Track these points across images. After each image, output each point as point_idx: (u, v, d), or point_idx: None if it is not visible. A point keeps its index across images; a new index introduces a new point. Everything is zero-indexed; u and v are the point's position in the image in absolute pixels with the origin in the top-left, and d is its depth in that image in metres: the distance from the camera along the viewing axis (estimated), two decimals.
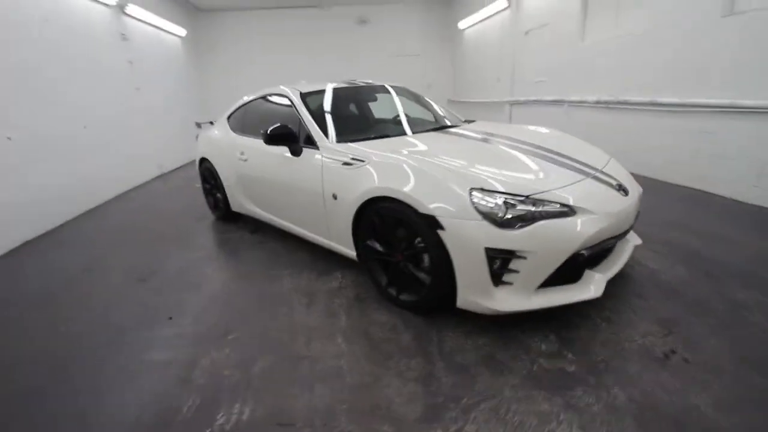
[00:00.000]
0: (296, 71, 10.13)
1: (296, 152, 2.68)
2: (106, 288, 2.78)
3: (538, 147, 2.39)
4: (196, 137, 4.39)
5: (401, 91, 3.47)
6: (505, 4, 7.36)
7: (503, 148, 2.39)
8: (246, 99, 3.63)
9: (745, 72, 3.45)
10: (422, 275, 2.03)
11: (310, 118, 2.75)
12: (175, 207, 4.85)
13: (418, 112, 3.31)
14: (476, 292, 1.83)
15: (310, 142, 2.67)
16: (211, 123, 4.32)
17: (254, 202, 3.41)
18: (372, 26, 10.23)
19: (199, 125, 4.44)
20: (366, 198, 2.15)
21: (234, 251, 3.27)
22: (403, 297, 2.18)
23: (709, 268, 2.44)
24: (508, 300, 1.81)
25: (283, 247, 3.23)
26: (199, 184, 4.38)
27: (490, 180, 1.88)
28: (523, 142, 2.46)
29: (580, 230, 1.79)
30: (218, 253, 3.28)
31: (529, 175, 2.01)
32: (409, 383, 1.67)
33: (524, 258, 1.75)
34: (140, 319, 2.32)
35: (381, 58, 10.42)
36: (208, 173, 4.00)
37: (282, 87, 3.21)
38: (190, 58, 9.27)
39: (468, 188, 1.83)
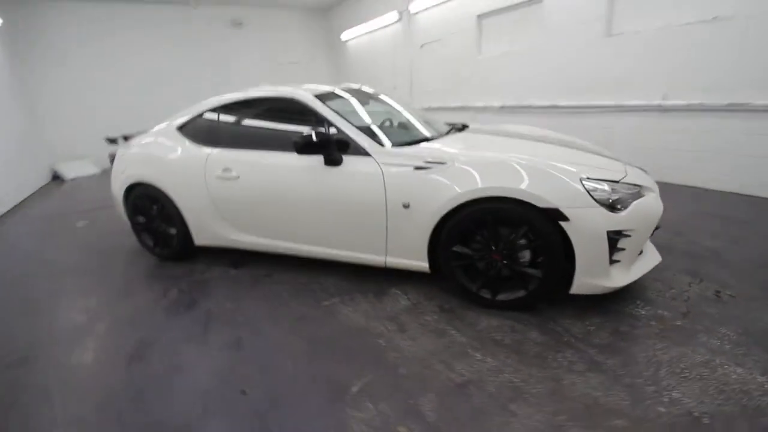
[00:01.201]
0: (161, 77, 8.61)
1: (336, 161, 2.33)
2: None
3: (561, 141, 2.67)
4: (111, 159, 3.33)
5: (389, 97, 3.35)
6: (396, 18, 7.83)
7: (544, 144, 2.58)
8: (212, 104, 2.91)
9: (624, 79, 4.56)
10: (531, 270, 2.05)
11: (345, 122, 2.42)
12: (87, 250, 3.56)
13: (418, 117, 3.26)
14: (595, 275, 1.96)
15: (343, 149, 2.36)
16: (125, 138, 3.33)
17: (247, 229, 2.78)
18: (248, 30, 9.45)
19: (113, 141, 3.34)
20: (464, 200, 2.03)
21: (240, 296, 2.59)
22: (502, 297, 2.15)
23: None
24: (619, 276, 1.99)
25: (293, 277, 2.74)
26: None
27: (588, 170, 2.03)
28: (546, 138, 2.72)
29: (657, 206, 2.10)
30: (226, 305, 2.53)
31: (592, 164, 2.25)
32: (588, 375, 1.67)
33: (629, 236, 1.95)
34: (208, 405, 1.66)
35: (259, 65, 9.72)
36: (145, 202, 3.08)
37: (281, 88, 2.73)
38: (9, 56, 6.83)
39: (578, 178, 1.94)
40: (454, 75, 6.85)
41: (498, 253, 2.08)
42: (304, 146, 2.26)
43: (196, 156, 2.83)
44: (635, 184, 2.09)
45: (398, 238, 2.30)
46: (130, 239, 3.42)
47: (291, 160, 2.50)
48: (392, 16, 7.86)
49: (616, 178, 2.05)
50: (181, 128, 3.00)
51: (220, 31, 9.19)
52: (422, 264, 2.32)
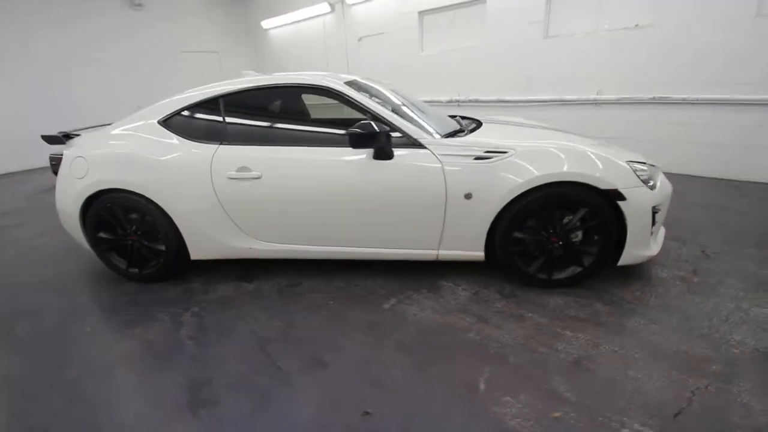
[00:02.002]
0: (39, 67, 7.00)
1: (389, 155, 2.18)
2: None
3: (560, 129, 2.93)
4: (54, 163, 2.59)
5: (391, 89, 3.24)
6: (328, 9, 7.58)
7: (559, 131, 2.78)
8: (209, 93, 2.45)
9: (562, 76, 5.16)
10: (588, 248, 2.22)
11: (392, 113, 2.28)
12: (33, 277, 2.69)
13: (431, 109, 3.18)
14: (640, 247, 2.21)
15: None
16: (66, 137, 2.64)
17: (268, 235, 2.44)
18: (148, 12, 8.15)
19: (54, 139, 2.57)
20: (535, 185, 2.09)
21: (281, 311, 2.26)
22: (558, 276, 2.29)
23: None
24: (654, 246, 2.29)
25: (326, 283, 2.51)
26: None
27: (626, 153, 2.27)
28: (548, 127, 2.95)
29: (668, 182, 2.46)
30: (273, 324, 2.17)
31: (612, 149, 2.51)
32: (667, 333, 1.89)
33: (660, 210, 2.26)
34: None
35: (165, 53, 8.51)
36: (117, 214, 2.49)
37: (305, 76, 2.45)
38: None
39: (625, 161, 2.16)
40: (397, 69, 6.93)
41: (556, 235, 2.21)
42: (360, 139, 2.08)
43: (195, 155, 2.38)
44: (653, 164, 2.41)
45: (455, 230, 2.28)
46: (80, 260, 2.72)
47: (330, 155, 2.28)
48: (323, 7, 7.59)
49: (642, 160, 2.33)
50: (165, 122, 2.48)
51: (114, 13, 7.77)
52: (477, 253, 2.33)
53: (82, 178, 2.47)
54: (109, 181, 2.43)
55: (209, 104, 2.46)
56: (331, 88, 2.34)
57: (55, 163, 2.60)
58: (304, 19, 8.21)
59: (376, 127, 2.09)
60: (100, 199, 2.48)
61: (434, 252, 2.37)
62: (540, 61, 5.29)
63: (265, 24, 9.02)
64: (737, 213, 3.34)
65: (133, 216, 2.52)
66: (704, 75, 4.13)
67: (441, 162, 2.18)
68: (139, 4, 7.87)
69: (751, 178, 4.10)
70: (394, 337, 1.99)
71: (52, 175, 2.66)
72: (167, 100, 2.56)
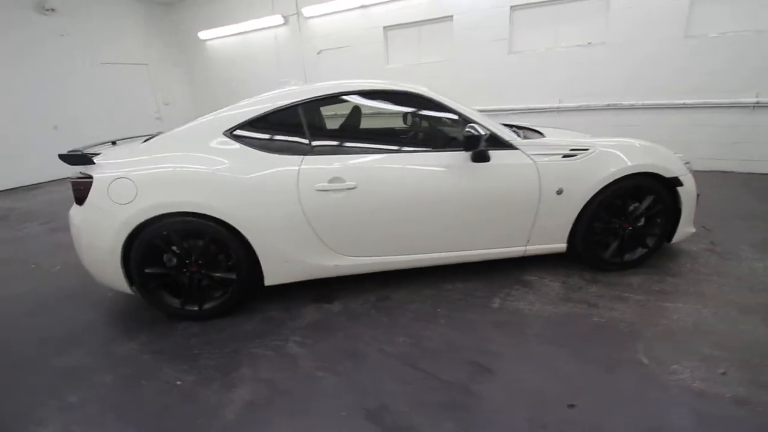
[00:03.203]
0: None
1: (487, 157, 2.23)
2: None
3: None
4: (79, 188, 2.10)
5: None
6: (281, 21, 7.34)
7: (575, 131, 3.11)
8: (286, 100, 2.25)
9: (526, 87, 5.73)
10: (652, 231, 2.52)
11: (484, 117, 2.32)
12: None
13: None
14: (687, 226, 2.58)
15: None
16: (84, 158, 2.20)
17: (358, 249, 2.29)
18: (63, 19, 6.98)
19: (77, 158, 2.04)
20: (617, 178, 2.32)
21: (396, 327, 2.13)
22: (628, 258, 2.55)
23: None
24: (692, 225, 2.69)
25: (415, 292, 2.44)
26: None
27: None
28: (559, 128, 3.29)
29: None
30: (397, 340, 2.01)
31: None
32: (747, 287, 2.24)
33: (699, 193, 2.67)
34: None
35: (83, 64, 7.37)
36: (175, 242, 2.11)
37: (383, 81, 2.38)
38: None
39: (674, 152, 2.52)
40: None
41: (627, 221, 2.48)
42: (469, 142, 2.10)
43: (277, 168, 2.15)
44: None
45: (544, 225, 2.41)
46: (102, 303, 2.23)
47: (428, 160, 2.26)
48: (275, 19, 7.33)
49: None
50: (234, 134, 2.20)
51: (19, 19, 6.49)
52: (561, 245, 2.50)
53: (128, 203, 2.05)
54: (169, 203, 2.06)
55: (287, 113, 2.25)
56: (422, 95, 2.33)
57: (83, 188, 2.11)
58: (251, 31, 7.82)
59: (482, 131, 2.13)
60: (152, 227, 2.08)
61: (522, 248, 2.47)
62: (506, 73, 5.82)
63: (204, 35, 8.37)
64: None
65: (192, 243, 2.17)
66: (647, 84, 4.98)
67: (534, 161, 2.30)
68: (51, 9, 6.69)
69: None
70: (530, 332, 2.03)
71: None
72: (227, 109, 2.28)
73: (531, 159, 2.31)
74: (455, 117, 2.35)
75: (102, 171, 2.12)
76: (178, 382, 1.82)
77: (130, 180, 2.08)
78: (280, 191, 2.14)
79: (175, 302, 2.25)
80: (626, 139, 2.51)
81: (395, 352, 1.93)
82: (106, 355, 2.06)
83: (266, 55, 7.90)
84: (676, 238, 2.59)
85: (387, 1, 6.26)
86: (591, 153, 2.36)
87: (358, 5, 6.49)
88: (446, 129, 2.44)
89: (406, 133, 2.59)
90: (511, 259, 2.55)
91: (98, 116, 7.52)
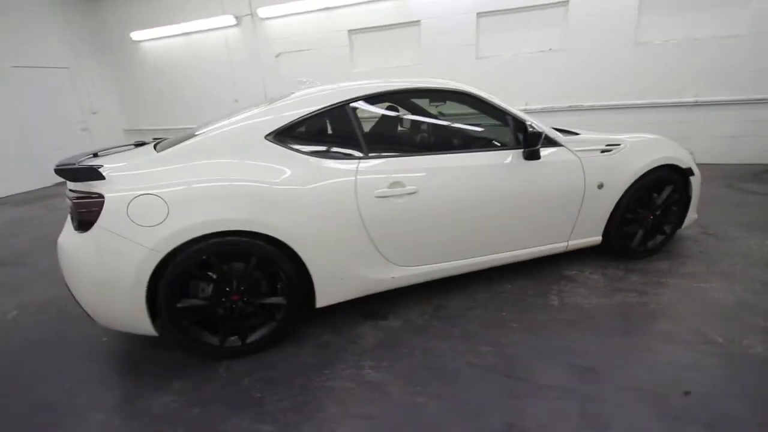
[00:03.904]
0: None
1: (538, 155, 2.21)
2: None
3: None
4: (79, 208, 1.68)
5: None
6: (232, 22, 6.81)
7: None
8: (330, 101, 2.01)
9: (494, 91, 5.93)
10: (667, 218, 2.70)
11: (528, 115, 2.29)
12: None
13: None
14: (693, 212, 2.81)
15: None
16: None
17: (415, 258, 2.13)
18: None
19: (89, 173, 1.59)
20: (646, 171, 2.44)
21: (474, 337, 1.99)
22: (651, 246, 2.71)
23: None
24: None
25: (470, 298, 2.35)
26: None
27: None
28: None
29: None
30: (480, 350, 1.86)
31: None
32: (754, 262, 2.47)
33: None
34: None
35: None
36: (214, 267, 1.78)
37: (433, 81, 2.27)
38: None
39: (684, 148, 2.73)
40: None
41: (650, 211, 2.63)
42: (535, 141, 2.07)
43: (332, 174, 1.92)
44: None
45: (585, 219, 2.46)
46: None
47: (483, 159, 2.18)
48: (226, 19, 6.79)
49: None
50: (278, 138, 1.91)
51: None
52: (597, 238, 2.57)
53: (157, 225, 1.68)
54: (213, 222, 1.72)
55: (336, 113, 2.02)
56: (469, 92, 2.25)
57: (91, 209, 1.68)
58: (197, 32, 7.15)
59: (539, 129, 2.11)
60: (187, 251, 1.73)
61: (565, 244, 2.50)
62: (473, 78, 5.98)
63: (137, 35, 7.47)
64: None
65: (233, 267, 1.84)
66: (604, 87, 5.44)
67: (578, 157, 2.34)
68: None
69: None
70: (604, 326, 2.03)
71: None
72: (265, 110, 1.99)
73: (575, 155, 2.34)
74: (501, 115, 2.32)
75: (116, 187, 1.71)
76: None
77: (158, 197, 1.70)
78: (338, 200, 1.92)
79: (213, 339, 1.90)
80: (644, 135, 2.67)
81: (485, 364, 1.81)
82: (139, 416, 1.65)
83: (216, 58, 7.28)
84: (685, 224, 2.81)
85: (352, 5, 6.12)
86: (623, 148, 2.47)
87: (321, 7, 6.26)
88: (496, 128, 2.39)
89: (458, 132, 2.50)
90: (547, 256, 2.57)
91: (8, 127, 6.33)
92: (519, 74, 5.76)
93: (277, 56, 6.90)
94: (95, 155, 2.17)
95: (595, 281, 2.47)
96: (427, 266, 2.20)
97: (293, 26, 6.61)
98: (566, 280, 2.50)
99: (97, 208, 1.68)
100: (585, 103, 5.56)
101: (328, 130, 2.03)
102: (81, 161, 1.88)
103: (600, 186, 2.41)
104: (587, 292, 2.36)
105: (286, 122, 1.94)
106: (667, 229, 2.73)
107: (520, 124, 2.26)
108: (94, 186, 1.72)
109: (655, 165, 2.49)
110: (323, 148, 1.99)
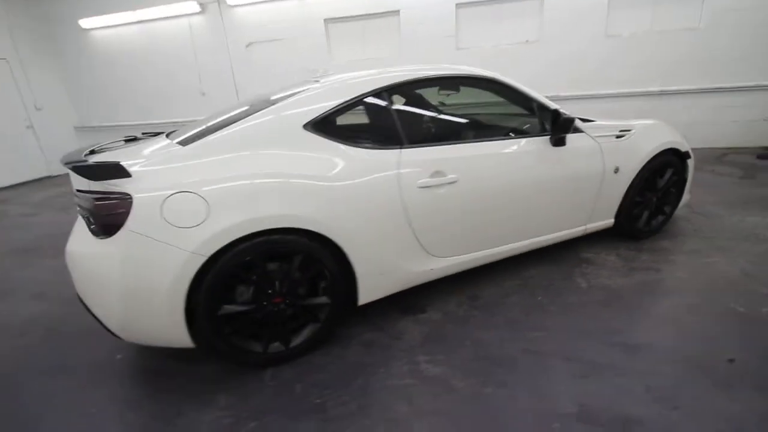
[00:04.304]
0: None
1: (564, 141, 2.25)
2: None
3: None
4: (105, 214, 1.47)
5: None
6: (197, 9, 6.36)
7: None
8: (366, 88, 1.91)
9: None
10: (668, 200, 2.86)
11: (550, 101, 2.31)
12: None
13: None
14: (686, 193, 3.00)
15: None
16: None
17: (453, 249, 2.10)
18: None
19: (98, 170, 1.37)
20: (654, 154, 2.56)
21: (517, 328, 1.99)
22: (654, 226, 2.86)
23: None
24: None
25: (498, 286, 2.36)
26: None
27: None
28: None
29: None
30: (532, 335, 1.86)
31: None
32: (746, 237, 2.69)
33: None
34: None
35: None
36: (258, 269, 1.65)
37: (468, 67, 2.25)
38: None
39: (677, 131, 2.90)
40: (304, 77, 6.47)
41: (655, 193, 2.78)
42: (566, 127, 2.10)
43: (374, 164, 1.83)
44: None
45: (601, 203, 2.55)
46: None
47: (516, 146, 2.19)
48: (189, 6, 6.33)
49: None
50: (316, 127, 1.79)
51: None
52: (610, 221, 2.68)
53: (197, 225, 1.52)
54: (260, 219, 1.59)
55: (372, 100, 1.92)
56: (497, 80, 2.24)
57: (110, 212, 1.48)
58: (156, 19, 6.61)
59: (571, 116, 2.15)
60: (230, 253, 1.58)
61: (583, 227, 2.58)
62: None
63: (86, 23, 6.78)
64: None
65: (274, 267, 1.72)
66: (578, 77, 5.68)
67: (598, 143, 2.41)
68: None
69: None
70: (635, 304, 2.12)
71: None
72: (298, 99, 1.85)
73: (595, 141, 2.41)
74: (529, 102, 2.34)
75: (144, 185, 1.53)
76: None
77: (196, 194, 1.54)
78: (382, 191, 1.84)
79: (256, 346, 1.76)
80: (648, 120, 2.81)
81: (539, 349, 1.82)
82: None
83: (179, 48, 6.77)
84: (680, 204, 3.00)
85: None
86: (634, 133, 2.58)
87: None
88: (521, 115, 2.40)
89: (491, 120, 2.48)
90: (563, 241, 2.63)
91: None
92: (499, 65, 5.86)
93: (248, 46, 6.54)
94: (92, 152, 1.94)
95: (613, 262, 2.58)
96: (464, 256, 2.18)
97: (265, 14, 6.29)
98: (586, 262, 2.59)
99: (124, 210, 1.49)
100: (562, 93, 5.78)
101: (366, 119, 1.94)
102: (81, 159, 1.66)
103: (616, 170, 2.50)
104: (608, 273, 2.45)
105: (324, 111, 1.83)
106: (667, 209, 2.90)
107: (549, 111, 2.29)
108: (118, 185, 1.52)
109: (662, 149, 2.63)
110: (363, 138, 1.90)
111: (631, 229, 2.77)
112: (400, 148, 1.92)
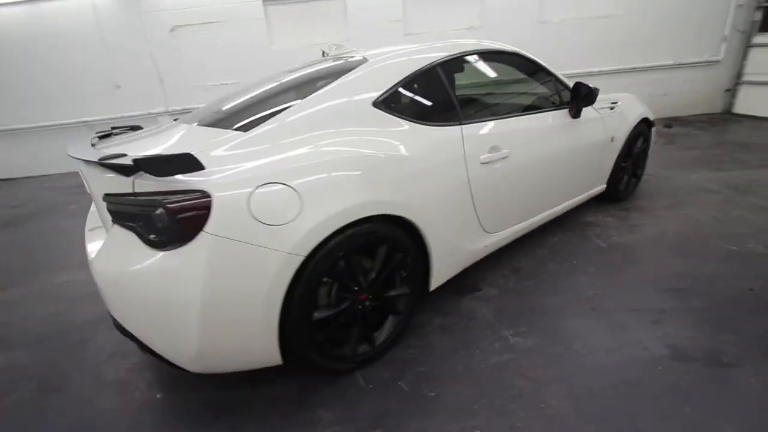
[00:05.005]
0: None
1: (580, 114, 2.39)
2: None
3: None
4: (179, 225, 1.19)
5: None
6: None
7: None
8: (423, 62, 1.83)
9: None
10: (640, 164, 3.24)
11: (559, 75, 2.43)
12: None
13: None
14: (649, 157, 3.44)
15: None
16: None
17: (501, 224, 2.12)
18: None
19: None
20: (635, 124, 2.88)
21: (597, 284, 2.07)
22: (631, 188, 3.22)
23: None
24: None
25: (531, 256, 2.46)
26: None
27: None
28: None
29: None
30: (602, 292, 1.94)
31: None
32: (704, 193, 3.18)
33: None
34: None
35: None
36: (350, 264, 1.48)
37: (492, 42, 2.24)
38: None
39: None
40: (240, 66, 5.91)
41: (630, 159, 3.13)
42: (592, 99, 2.24)
43: (442, 142, 1.76)
44: None
45: (599, 171, 2.80)
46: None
47: (549, 119, 2.30)
48: None
49: None
50: (384, 103, 1.64)
51: None
52: (602, 186, 2.95)
53: (292, 221, 1.30)
54: (353, 209, 1.41)
55: (429, 75, 1.82)
56: (523, 55, 2.31)
57: (196, 211, 1.19)
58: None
59: (594, 87, 2.29)
60: (325, 249, 1.39)
61: (586, 194, 2.80)
62: None
63: None
64: None
65: (378, 259, 1.59)
66: None
67: (600, 115, 2.62)
68: None
69: None
70: (651, 254, 2.40)
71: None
72: (361, 76, 1.68)
73: (598, 112, 2.62)
74: (549, 77, 2.44)
75: (224, 178, 1.26)
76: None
77: (286, 185, 1.31)
78: (451, 169, 1.78)
79: (345, 350, 1.59)
80: (623, 94, 3.14)
81: (605, 307, 1.95)
82: None
83: (80, 33, 5.66)
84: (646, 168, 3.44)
85: None
86: (620, 105, 2.86)
87: None
88: (548, 89, 2.49)
89: (526, 94, 2.49)
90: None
91: None
92: None
93: (172, 30, 5.75)
94: (93, 145, 1.55)
95: (613, 223, 2.85)
96: (509, 230, 2.22)
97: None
98: (592, 225, 2.83)
99: (204, 210, 1.21)
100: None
101: (425, 94, 1.83)
102: (119, 153, 1.31)
103: (612, 139, 2.76)
104: (616, 231, 2.71)
105: (388, 87, 1.69)
106: (639, 173, 3.30)
107: (568, 86, 2.41)
108: (188, 181, 1.23)
109: (640, 119, 2.97)
110: (425, 114, 1.80)
111: (615, 192, 3.09)
112: (460, 124, 1.87)
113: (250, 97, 1.94)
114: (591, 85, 2.31)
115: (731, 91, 6.29)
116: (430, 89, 1.85)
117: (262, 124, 1.46)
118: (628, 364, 1.59)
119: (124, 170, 1.23)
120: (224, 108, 1.94)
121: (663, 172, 3.84)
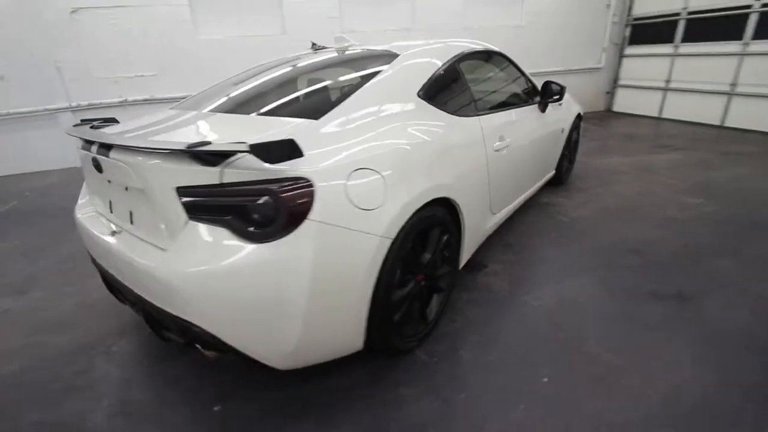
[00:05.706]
0: None
1: (546, 108, 2.78)
2: None
3: None
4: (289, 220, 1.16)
5: None
6: None
7: None
8: (447, 55, 2.02)
9: None
10: (575, 149, 3.84)
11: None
12: None
13: None
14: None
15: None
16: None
17: (497, 207, 2.35)
18: None
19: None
20: (575, 117, 3.41)
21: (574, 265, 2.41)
22: (567, 172, 3.80)
23: None
24: None
25: (519, 232, 2.79)
26: None
27: None
28: None
29: None
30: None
31: None
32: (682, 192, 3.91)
33: None
34: None
35: None
36: (414, 247, 1.57)
37: (479, 42, 2.41)
38: None
39: None
40: (162, 54, 5.29)
41: (568, 147, 3.69)
42: (562, 95, 2.61)
43: (470, 132, 1.94)
44: None
45: (553, 158, 3.26)
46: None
47: (528, 113, 2.62)
48: None
49: None
50: (425, 93, 1.73)
51: None
52: (552, 173, 3.43)
53: (381, 205, 1.33)
54: (428, 191, 1.51)
55: (452, 68, 1.98)
56: (502, 54, 2.60)
57: (301, 199, 1.14)
58: None
59: (561, 84, 2.67)
60: (403, 232, 1.43)
61: (544, 180, 3.24)
62: None
63: None
64: None
65: (435, 239, 1.71)
66: None
67: (554, 109, 3.06)
68: None
69: None
70: (612, 220, 2.92)
71: None
72: (406, 66, 1.76)
73: (553, 108, 3.06)
74: (520, 75, 2.76)
75: (320, 164, 1.24)
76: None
77: (373, 170, 1.34)
78: (477, 156, 1.97)
79: (408, 329, 1.66)
80: None
81: (593, 266, 2.33)
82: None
83: None
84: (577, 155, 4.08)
85: None
86: (565, 101, 3.36)
87: None
88: (523, 85, 2.79)
89: (513, 90, 2.72)
90: None
91: None
92: None
93: (72, 12, 4.88)
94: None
95: (565, 202, 3.35)
96: (503, 211, 2.49)
97: None
98: (550, 205, 3.29)
99: (308, 198, 1.19)
100: None
101: (450, 86, 1.96)
102: (204, 140, 1.19)
103: (562, 131, 3.24)
104: (571, 208, 3.20)
105: (427, 78, 1.80)
106: (573, 159, 3.91)
107: (535, 84, 2.77)
108: (289, 168, 1.18)
109: (577, 113, 3.53)
110: (454, 104, 1.94)
111: (559, 177, 3.63)
112: (477, 115, 2.06)
113: (278, 85, 1.88)
114: (560, 84, 2.71)
115: (611, 93, 7.70)
116: (455, 83, 2.00)
117: (331, 112, 1.45)
118: (623, 301, 1.97)
119: (211, 159, 1.14)
120: (248, 97, 1.85)
121: (582, 158, 4.58)
